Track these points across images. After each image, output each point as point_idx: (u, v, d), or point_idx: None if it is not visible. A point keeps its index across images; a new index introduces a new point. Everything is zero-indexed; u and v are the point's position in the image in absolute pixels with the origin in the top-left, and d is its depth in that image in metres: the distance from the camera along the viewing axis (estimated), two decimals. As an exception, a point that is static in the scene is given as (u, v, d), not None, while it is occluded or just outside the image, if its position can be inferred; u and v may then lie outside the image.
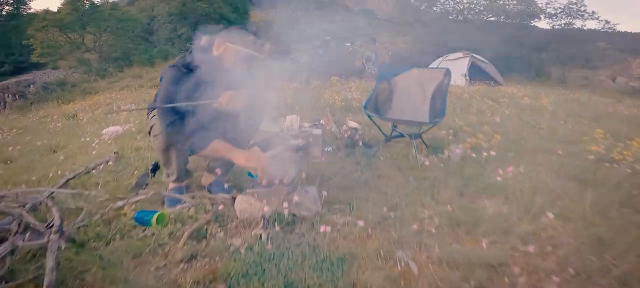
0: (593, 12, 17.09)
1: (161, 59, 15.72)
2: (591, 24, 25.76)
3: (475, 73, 11.19)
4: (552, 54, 16.14)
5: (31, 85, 12.46)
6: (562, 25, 17.34)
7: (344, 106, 5.54)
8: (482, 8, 17.82)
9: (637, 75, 17.25)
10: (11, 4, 17.71)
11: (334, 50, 12.84)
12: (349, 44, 11.48)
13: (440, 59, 11.75)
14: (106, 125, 4.86)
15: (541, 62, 15.87)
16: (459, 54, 11.50)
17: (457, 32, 14.98)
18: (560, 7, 17.25)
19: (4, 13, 17.70)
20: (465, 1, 18.34)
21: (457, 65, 10.97)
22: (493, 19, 18.11)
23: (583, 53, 17.07)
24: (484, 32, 16.58)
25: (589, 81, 17.19)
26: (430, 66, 11.93)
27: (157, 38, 18.07)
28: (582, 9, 16.87)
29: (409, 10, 21.47)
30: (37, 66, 17.00)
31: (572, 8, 16.93)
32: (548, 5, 17.48)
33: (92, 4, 16.34)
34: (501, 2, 17.43)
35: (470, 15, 18.30)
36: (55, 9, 16.67)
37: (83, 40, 16.56)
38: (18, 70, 16.16)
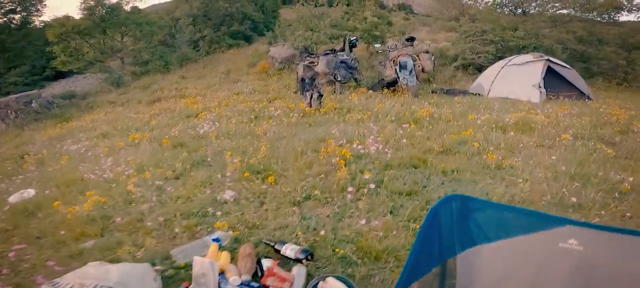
0: None
1: (177, 65, 13.99)
2: None
3: (552, 82, 8.17)
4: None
5: (34, 101, 11.10)
6: None
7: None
8: None
9: None
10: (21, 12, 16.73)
11: (359, 52, 10.29)
12: (378, 46, 8.87)
13: (502, 62, 8.80)
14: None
15: (631, 63, 12.19)
16: (529, 57, 8.52)
17: (518, 28, 11.64)
18: None
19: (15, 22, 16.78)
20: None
21: (527, 73, 8.06)
22: (564, 11, 14.30)
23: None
24: (553, 29, 13.13)
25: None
26: (486, 72, 9.08)
27: (178, 41, 16.31)
28: None
29: (451, 3, 18.09)
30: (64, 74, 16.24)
31: None
32: None
33: (110, 7, 14.87)
34: None
35: (532, 8, 14.67)
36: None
37: (104, 45, 15.25)
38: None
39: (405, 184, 3.05)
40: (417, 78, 7.86)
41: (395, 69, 7.58)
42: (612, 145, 4.36)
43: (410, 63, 7.40)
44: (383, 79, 8.07)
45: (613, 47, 12.51)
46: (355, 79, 9.23)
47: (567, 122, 5.02)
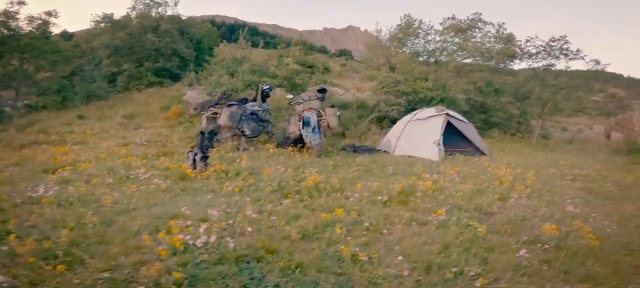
0: (578, 51, 13.50)
1: (82, 102, 12.47)
2: (577, 65, 21.49)
3: (451, 138, 8.39)
4: (534, 102, 13.57)
5: None
6: (544, 66, 14.03)
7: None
8: (456, 48, 14.83)
9: (638, 130, 14.96)
10: None
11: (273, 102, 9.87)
12: (290, 96, 8.54)
13: (408, 117, 8.94)
14: None
15: (523, 114, 13.27)
16: (432, 111, 8.73)
17: (428, 79, 12.16)
18: (541, 45, 13.86)
19: None
20: (438, 39, 15.47)
21: (429, 128, 8.17)
22: (469, 60, 15.22)
23: (570, 101, 14.69)
24: (458, 78, 13.94)
25: (575, 136, 14.83)
26: (395, 127, 9.14)
27: (90, 74, 14.68)
28: (565, 47, 13.52)
29: (380, 50, 18.52)
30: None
31: (553, 46, 13.59)
32: (528, 44, 14.09)
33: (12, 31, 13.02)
34: (478, 41, 14.39)
35: (443, 57, 15.47)
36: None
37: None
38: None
39: (226, 288, 2.47)
40: (323, 135, 7.58)
41: (299, 125, 7.20)
42: (488, 216, 4.24)
43: (313, 119, 7.07)
44: (288, 136, 7.63)
45: (508, 97, 13.52)
46: (268, 133, 8.72)
47: (450, 190, 4.89)
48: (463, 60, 15.00)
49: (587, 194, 5.32)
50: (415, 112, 9.15)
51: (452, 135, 8.63)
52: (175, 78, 16.85)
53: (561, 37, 13.35)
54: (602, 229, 3.74)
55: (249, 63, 11.12)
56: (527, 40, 13.92)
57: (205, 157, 5.47)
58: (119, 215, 3.66)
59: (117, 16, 17.65)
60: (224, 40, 23.24)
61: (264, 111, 8.41)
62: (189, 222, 3.39)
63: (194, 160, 5.36)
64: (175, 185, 4.74)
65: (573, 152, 10.80)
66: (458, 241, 3.40)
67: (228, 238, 3.07)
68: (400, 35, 15.54)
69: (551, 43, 13.44)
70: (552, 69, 13.75)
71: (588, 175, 6.62)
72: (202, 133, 7.16)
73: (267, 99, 8.82)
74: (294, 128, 7.39)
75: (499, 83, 14.05)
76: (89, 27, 19.06)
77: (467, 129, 8.80)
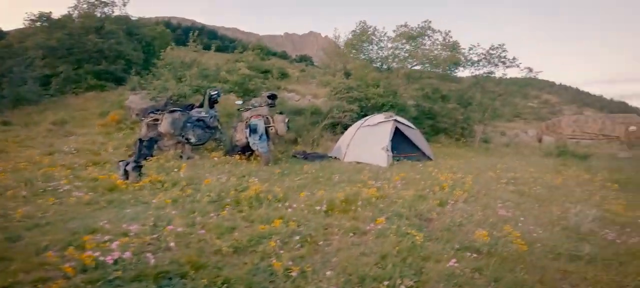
0: (514, 59, 14.26)
1: (8, 106, 11.18)
2: (512, 72, 22.73)
3: (399, 144, 8.55)
4: (476, 108, 14.29)
5: None
6: (485, 74, 14.77)
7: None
8: (406, 55, 15.23)
9: (567, 134, 16.29)
10: None
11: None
12: (239, 102, 8.24)
13: (359, 123, 9.00)
14: None
15: (467, 119, 13.94)
16: (381, 117, 8.85)
17: (380, 85, 12.36)
18: (482, 53, 14.50)
19: None
20: (389, 46, 15.82)
21: (378, 135, 8.26)
22: (418, 67, 15.70)
23: (507, 107, 15.65)
24: (408, 84, 14.35)
25: (512, 140, 15.87)
26: (346, 134, 9.16)
27: (20, 76, 13.21)
28: (503, 55, 14.20)
29: (337, 56, 18.49)
30: None
31: (492, 54, 14.26)
32: (471, 52, 14.71)
33: None
34: (427, 49, 14.84)
35: (395, 64, 15.83)
36: None
37: None
38: None
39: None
40: (272, 142, 7.38)
41: (246, 133, 6.93)
42: (428, 222, 4.28)
43: (261, 126, 6.84)
44: (235, 144, 7.32)
45: (453, 103, 14.12)
46: (217, 140, 8.34)
47: (393, 197, 4.91)
48: (413, 67, 15.45)
49: (519, 197, 5.60)
50: (365, 118, 9.24)
51: (400, 141, 8.81)
52: (120, 82, 15.70)
53: (499, 45, 14.15)
54: (530, 233, 3.90)
55: (198, 67, 10.60)
56: (470, 48, 14.62)
57: (138, 167, 5.04)
58: (28, 230, 3.27)
59: (57, 15, 16.19)
60: (180, 43, 22.25)
61: (211, 118, 8.02)
62: (107, 237, 3.05)
63: (126, 171, 4.92)
64: (101, 197, 4.31)
65: (510, 155, 11.51)
66: (395, 251, 3.37)
67: (148, 254, 2.79)
68: (354, 41, 15.74)
69: (491, 51, 14.24)
70: (492, 76, 14.55)
71: (521, 178, 7.02)
72: (140, 140, 6.69)
73: (216, 105, 8.44)
74: (240, 135, 7.11)
75: (445, 90, 14.58)
76: (23, 25, 17.33)
77: (414, 134, 9.03)
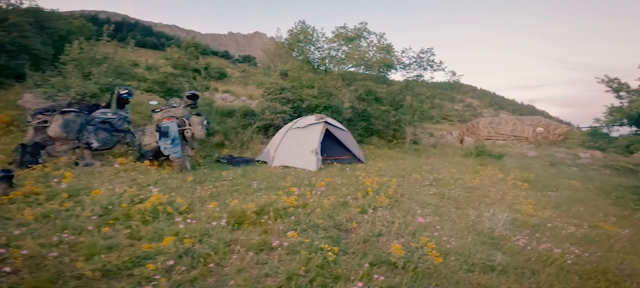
0: (441, 62, 14.58)
1: None
2: (439, 76, 23.54)
3: (330, 146, 8.29)
4: (407, 110, 14.65)
5: None
6: (414, 77, 15.07)
7: None
8: (343, 56, 15.08)
9: (484, 135, 17.46)
10: None
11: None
12: (154, 102, 7.32)
13: (289, 125, 8.57)
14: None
15: (398, 122, 14.21)
16: (311, 119, 8.49)
17: (314, 86, 12.04)
18: (413, 57, 14.71)
19: None
20: (325, 47, 15.57)
21: (308, 137, 7.90)
22: (354, 69, 15.64)
23: (434, 109, 16.35)
24: (343, 86, 14.23)
25: (439, 141, 16.65)
26: (275, 136, 8.69)
27: None
28: (431, 58, 14.54)
29: (278, 57, 17.79)
30: None
31: (422, 57, 14.55)
32: (403, 55, 14.81)
33: None
34: (363, 49, 14.75)
35: (332, 65, 15.63)
36: None
37: None
38: None
39: None
40: (190, 146, 6.62)
41: (157, 136, 6.10)
42: (347, 233, 3.97)
43: (173, 129, 6.06)
44: (145, 149, 6.43)
45: (386, 105, 14.30)
46: (128, 145, 7.32)
47: (313, 205, 4.54)
48: (349, 69, 15.37)
49: (440, 200, 5.59)
50: (295, 120, 8.84)
51: (331, 144, 8.57)
52: (24, 79, 13.45)
53: (428, 49, 14.62)
54: (447, 242, 3.76)
55: (109, 64, 9.33)
56: (403, 51, 14.92)
57: (7, 177, 4.06)
58: None
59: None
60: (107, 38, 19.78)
61: (120, 119, 7.01)
62: None
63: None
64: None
65: (436, 156, 11.94)
66: (303, 270, 2.98)
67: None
68: (290, 41, 15.30)
69: (421, 54, 14.68)
70: (420, 79, 15.03)
71: (443, 180, 7.13)
72: (22, 146, 5.56)
73: (127, 106, 7.42)
74: (149, 139, 6.26)
75: (379, 91, 14.70)
76: None
77: (345, 137, 8.83)
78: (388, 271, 3.17)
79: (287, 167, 7.33)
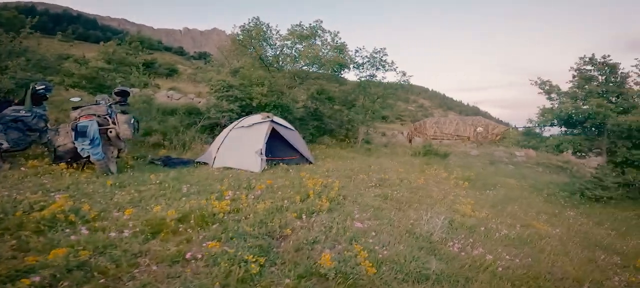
0: (392, 62, 14.73)
1: None
2: (390, 76, 23.88)
3: (276, 146, 7.96)
4: (359, 109, 14.68)
5: None
6: (367, 76, 14.98)
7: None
8: (297, 54, 14.75)
9: (430, 135, 18.01)
10: None
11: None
12: (76, 99, 6.51)
13: (233, 124, 8.10)
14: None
15: (350, 121, 14.21)
16: (258, 117, 8.06)
17: (265, 84, 11.61)
18: (366, 56, 14.77)
19: None
20: (278, 45, 15.16)
21: (252, 136, 7.49)
22: (307, 68, 15.35)
23: (385, 109, 16.56)
24: (295, 84, 13.92)
25: (390, 140, 16.95)
26: (219, 136, 8.19)
27: None
28: (384, 58, 14.64)
29: (233, 53, 16.94)
30: None
31: (375, 57, 14.62)
32: (357, 54, 14.85)
33: None
34: (317, 47, 14.48)
35: (285, 64, 15.25)
36: None
37: None
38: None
39: None
40: (115, 147, 5.94)
41: (72, 136, 5.38)
42: (280, 241, 3.65)
43: (92, 128, 5.36)
44: (59, 151, 5.66)
45: (339, 105, 14.25)
46: (45, 145, 6.45)
47: (247, 210, 4.19)
48: (302, 67, 15.08)
49: (383, 201, 5.46)
50: (240, 119, 8.39)
51: (278, 144, 8.23)
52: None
53: (381, 49, 14.74)
54: (382, 250, 3.56)
55: (29, 57, 8.23)
56: (356, 51, 14.93)
57: None
58: None
59: None
60: (45, 32, 17.72)
61: (35, 117, 6.14)
62: None
63: None
64: None
65: (386, 156, 12.05)
66: (219, 284, 2.64)
67: None
68: (242, 38, 14.71)
69: (374, 54, 14.78)
70: (374, 79, 15.14)
71: (389, 180, 7.08)
72: None
73: (45, 102, 6.54)
74: (64, 139, 5.51)
75: (332, 91, 14.59)
76: None
77: (293, 136, 8.53)
78: (318, 284, 2.92)
79: (229, 168, 6.89)
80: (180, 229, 3.47)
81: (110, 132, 5.63)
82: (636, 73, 10.33)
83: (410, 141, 17.84)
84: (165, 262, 2.89)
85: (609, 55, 10.59)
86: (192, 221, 3.58)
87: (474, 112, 68.05)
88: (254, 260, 2.97)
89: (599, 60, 10.66)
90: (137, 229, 3.37)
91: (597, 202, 8.69)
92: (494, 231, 4.80)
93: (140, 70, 10.63)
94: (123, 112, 6.00)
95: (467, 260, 3.62)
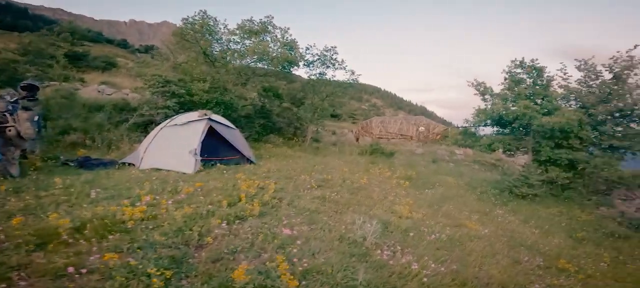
0: (342, 61, 14.60)
1: None
2: (340, 74, 23.92)
3: (214, 146, 7.47)
4: (308, 107, 14.46)
5: None
6: (317, 74, 14.72)
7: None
8: (244, 50, 14.10)
9: (376, 134, 18.34)
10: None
11: None
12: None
13: (165, 122, 7.46)
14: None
15: (299, 119, 13.95)
16: (194, 115, 7.49)
17: (207, 80, 10.96)
18: (317, 54, 14.56)
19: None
20: (224, 40, 14.40)
21: (187, 135, 6.94)
22: (254, 64, 14.76)
23: (334, 107, 16.57)
24: (241, 81, 13.33)
25: (339, 139, 17.02)
26: (149, 135, 7.52)
27: None
28: (334, 57, 14.51)
29: (178, 47, 15.67)
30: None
31: (326, 55, 14.44)
32: (307, 52, 14.57)
33: None
34: (265, 43, 13.93)
35: (232, 59, 14.52)
36: None
37: None
38: None
39: None
40: (18, 147, 5.13)
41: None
42: (198, 250, 3.31)
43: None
44: None
45: (287, 102, 13.91)
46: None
47: (164, 218, 3.76)
48: (251, 64, 14.50)
49: (321, 204, 5.27)
50: (173, 117, 7.77)
51: (216, 143, 7.75)
52: None
53: (332, 47, 14.60)
54: (306, 261, 3.31)
55: None
56: (307, 49, 14.65)
57: None
58: None
59: None
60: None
61: None
62: None
63: None
64: None
65: (334, 155, 12.00)
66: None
67: None
68: (184, 31, 13.78)
69: (325, 52, 14.62)
70: (323, 77, 15.00)
71: (331, 180, 6.93)
72: None
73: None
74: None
75: (280, 88, 14.20)
76: None
77: (234, 135, 8.08)
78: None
79: (158, 169, 6.31)
80: (75, 240, 2.99)
81: (9, 130, 4.84)
82: (560, 76, 11.30)
83: (357, 140, 18.06)
84: (48, 276, 2.46)
85: (537, 59, 11.46)
86: (89, 229, 3.10)
87: (421, 111, 71.42)
88: (159, 273, 2.61)
89: (528, 63, 11.48)
90: (21, 240, 2.86)
91: (523, 199, 9.32)
92: (427, 234, 4.81)
93: (60, 63, 9.45)
94: (27, 109, 5.19)
95: (396, 268, 3.52)
